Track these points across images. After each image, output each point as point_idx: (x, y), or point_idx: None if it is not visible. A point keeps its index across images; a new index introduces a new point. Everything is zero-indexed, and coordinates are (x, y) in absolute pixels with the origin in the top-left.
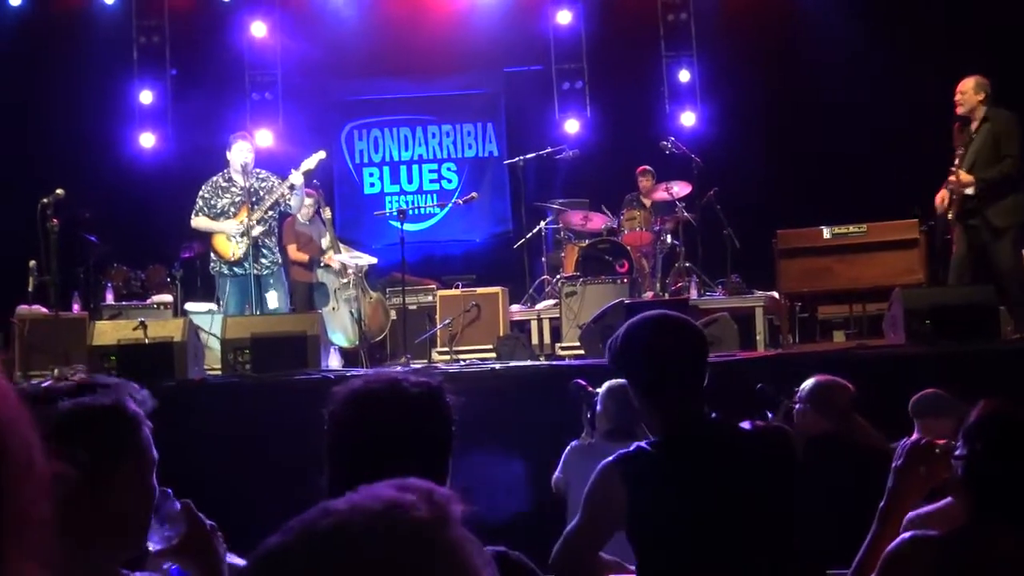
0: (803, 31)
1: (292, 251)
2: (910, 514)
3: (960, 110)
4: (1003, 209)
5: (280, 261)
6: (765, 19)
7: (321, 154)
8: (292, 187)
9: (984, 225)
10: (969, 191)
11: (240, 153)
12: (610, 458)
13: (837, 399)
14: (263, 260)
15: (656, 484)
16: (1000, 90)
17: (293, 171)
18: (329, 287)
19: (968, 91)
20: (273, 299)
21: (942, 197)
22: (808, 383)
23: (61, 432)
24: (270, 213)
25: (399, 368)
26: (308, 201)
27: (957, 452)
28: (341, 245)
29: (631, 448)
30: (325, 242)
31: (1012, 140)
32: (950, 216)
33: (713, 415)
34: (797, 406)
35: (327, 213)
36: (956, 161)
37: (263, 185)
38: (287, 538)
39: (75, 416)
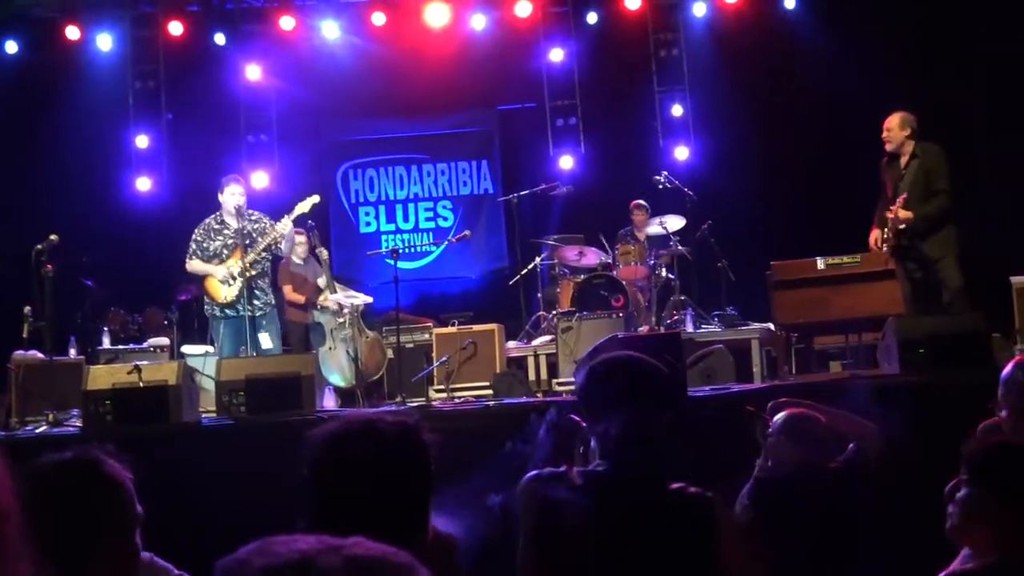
0: (794, 63)
1: (287, 292)
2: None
3: (889, 146)
4: (937, 241)
5: (273, 302)
6: (756, 52)
7: (315, 198)
8: (283, 236)
9: (920, 258)
10: (903, 226)
11: (232, 196)
12: (532, 472)
13: (808, 430)
14: (256, 301)
15: (561, 512)
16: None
17: (285, 217)
18: (325, 327)
19: (894, 127)
20: (267, 340)
21: (875, 237)
22: (781, 415)
23: (38, 500)
24: (263, 255)
25: (382, 408)
26: (300, 239)
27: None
28: (337, 285)
29: (558, 469)
30: (321, 282)
31: (942, 175)
32: (884, 249)
33: (649, 467)
34: (771, 438)
35: (323, 253)
36: (899, 200)
37: (256, 227)
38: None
39: (49, 480)
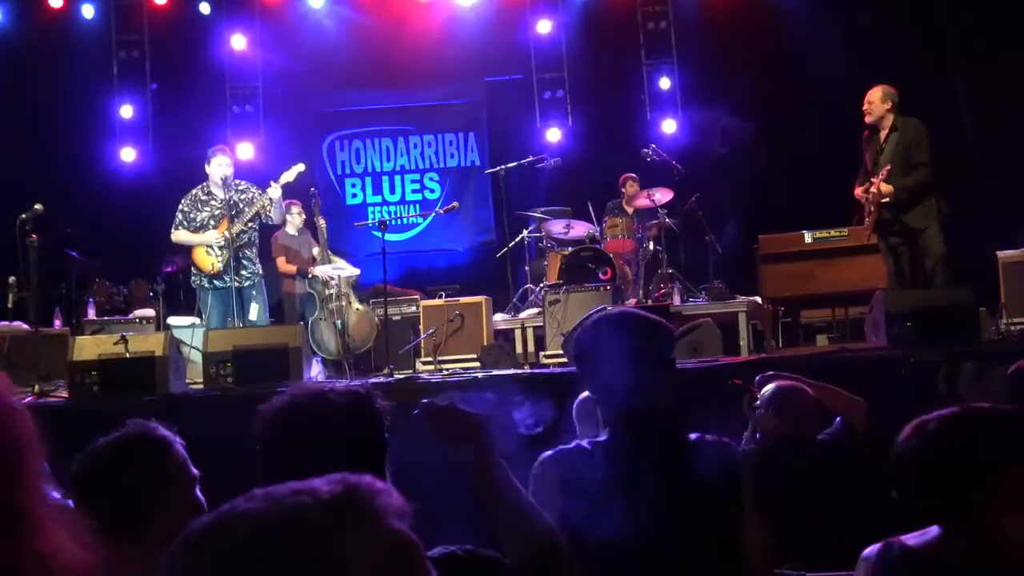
0: (783, 36)
1: (280, 264)
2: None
3: (869, 119)
4: (919, 212)
5: (260, 272)
6: (744, 25)
7: (300, 167)
8: (271, 200)
9: (904, 231)
10: (886, 200)
11: (219, 167)
12: (545, 454)
13: (796, 402)
14: (244, 272)
15: (584, 484)
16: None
17: (272, 183)
18: (317, 298)
19: (876, 100)
20: (255, 311)
21: (860, 191)
22: (769, 388)
23: (98, 471)
24: (251, 224)
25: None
26: (295, 210)
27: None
28: (331, 256)
29: (569, 445)
30: (316, 252)
31: (922, 148)
32: (867, 221)
33: (663, 419)
34: (759, 411)
35: (321, 223)
36: (881, 174)
37: (243, 197)
38: (207, 521)
39: (107, 453)
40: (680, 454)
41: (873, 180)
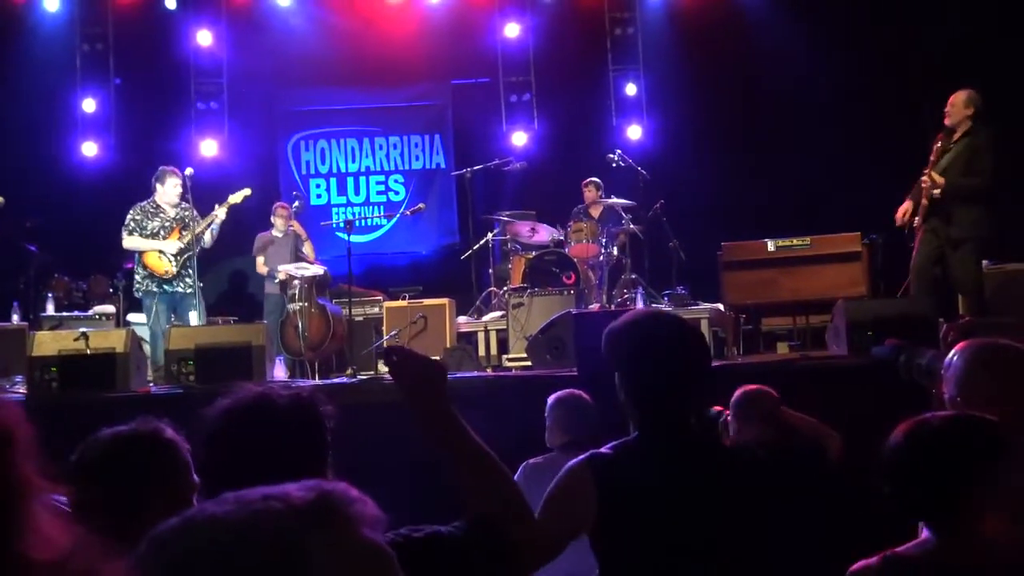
0: (749, 46)
1: (258, 265)
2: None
3: (948, 121)
4: (964, 221)
5: (198, 284)
6: (711, 33)
7: (247, 191)
8: (210, 224)
9: (944, 233)
10: (937, 192)
11: (175, 188)
12: (581, 456)
13: (761, 405)
14: (187, 280)
15: (629, 487)
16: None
17: (217, 206)
18: (282, 299)
19: (959, 104)
20: (194, 317)
21: (904, 210)
22: (735, 394)
23: (102, 460)
24: (190, 241)
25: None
26: (281, 212)
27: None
28: (310, 255)
29: (604, 448)
30: (307, 250)
31: (988, 157)
32: (916, 222)
33: (696, 425)
34: (729, 420)
35: (296, 226)
36: (930, 165)
37: (187, 214)
38: (174, 523)
39: (114, 445)
40: (712, 460)
41: (926, 172)
